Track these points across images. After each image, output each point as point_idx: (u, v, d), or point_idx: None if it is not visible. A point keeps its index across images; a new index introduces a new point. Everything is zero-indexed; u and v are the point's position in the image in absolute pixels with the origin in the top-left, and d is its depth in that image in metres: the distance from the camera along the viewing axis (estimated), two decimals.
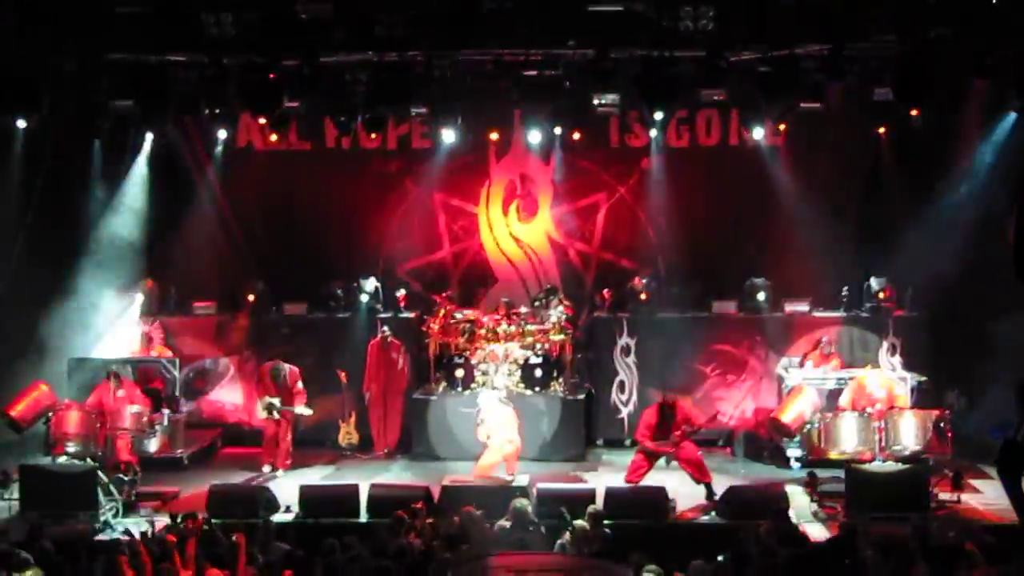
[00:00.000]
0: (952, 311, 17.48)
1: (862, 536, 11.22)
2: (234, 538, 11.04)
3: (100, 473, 14.25)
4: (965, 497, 14.51)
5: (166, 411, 16.32)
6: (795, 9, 13.77)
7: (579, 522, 11.91)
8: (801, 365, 17.46)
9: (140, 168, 18.94)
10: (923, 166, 18.09)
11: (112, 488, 14.27)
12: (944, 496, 14.34)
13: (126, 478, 14.63)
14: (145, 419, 15.07)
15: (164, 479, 15.84)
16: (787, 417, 15.59)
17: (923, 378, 16.57)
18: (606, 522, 12.45)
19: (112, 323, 18.19)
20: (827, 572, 10.48)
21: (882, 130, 18.28)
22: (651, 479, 14.79)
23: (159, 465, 15.93)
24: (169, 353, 18.22)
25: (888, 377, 15.89)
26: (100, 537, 13.17)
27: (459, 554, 10.78)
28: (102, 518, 13.93)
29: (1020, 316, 15.00)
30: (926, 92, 14.22)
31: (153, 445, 15.25)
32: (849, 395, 15.57)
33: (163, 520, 12.77)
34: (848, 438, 14.69)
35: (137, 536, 11.52)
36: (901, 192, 18.49)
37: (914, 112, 15.54)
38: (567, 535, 11.73)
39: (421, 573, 10.32)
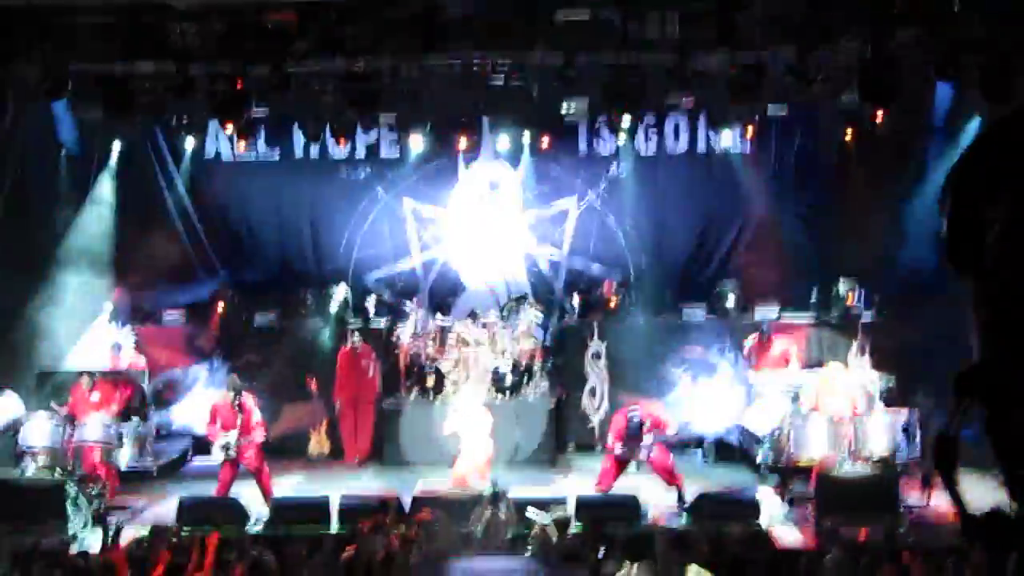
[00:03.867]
0: (920, 312, 17.52)
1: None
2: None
3: (68, 485, 14.14)
4: (934, 500, 14.56)
5: (135, 421, 16.18)
6: (761, 14, 13.81)
7: (535, 527, 11.94)
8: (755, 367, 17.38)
9: (107, 178, 18.88)
10: (889, 169, 18.17)
11: (80, 500, 14.16)
12: (913, 499, 14.40)
13: (94, 490, 14.53)
14: (113, 430, 14.95)
15: (133, 490, 15.75)
16: (757, 421, 15.58)
17: (891, 379, 16.60)
18: (574, 527, 12.48)
19: (80, 333, 18.07)
20: None
21: (849, 134, 18.33)
22: (621, 485, 14.80)
23: (128, 476, 15.81)
24: (142, 362, 18.04)
25: (850, 374, 15.86)
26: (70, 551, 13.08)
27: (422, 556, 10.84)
28: (70, 531, 13.82)
29: None
30: (892, 95, 14.27)
31: (122, 456, 15.12)
32: (813, 392, 15.51)
33: (131, 532, 12.69)
34: (817, 442, 14.66)
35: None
36: (868, 195, 18.57)
37: (880, 114, 15.60)
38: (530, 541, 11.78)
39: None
